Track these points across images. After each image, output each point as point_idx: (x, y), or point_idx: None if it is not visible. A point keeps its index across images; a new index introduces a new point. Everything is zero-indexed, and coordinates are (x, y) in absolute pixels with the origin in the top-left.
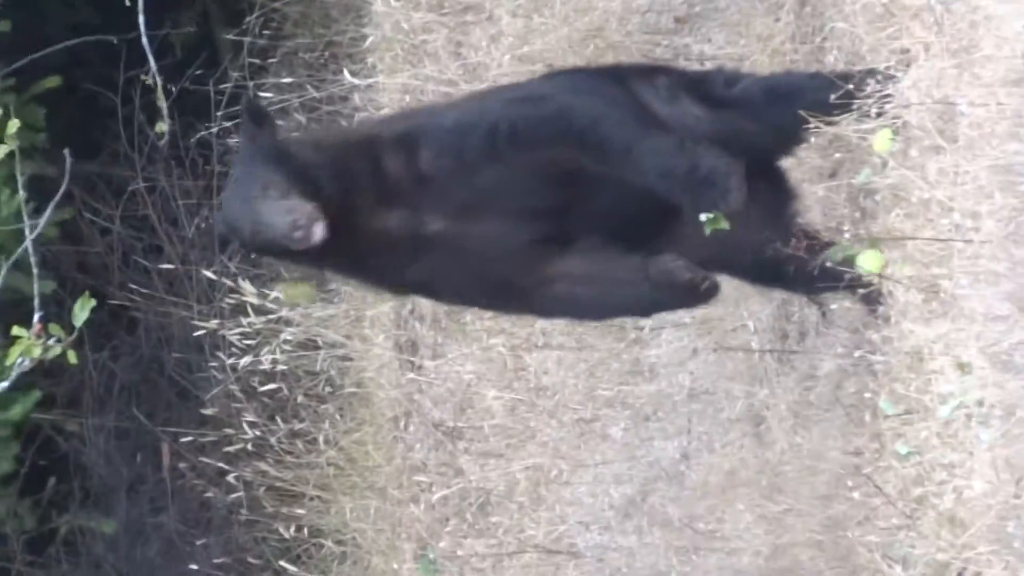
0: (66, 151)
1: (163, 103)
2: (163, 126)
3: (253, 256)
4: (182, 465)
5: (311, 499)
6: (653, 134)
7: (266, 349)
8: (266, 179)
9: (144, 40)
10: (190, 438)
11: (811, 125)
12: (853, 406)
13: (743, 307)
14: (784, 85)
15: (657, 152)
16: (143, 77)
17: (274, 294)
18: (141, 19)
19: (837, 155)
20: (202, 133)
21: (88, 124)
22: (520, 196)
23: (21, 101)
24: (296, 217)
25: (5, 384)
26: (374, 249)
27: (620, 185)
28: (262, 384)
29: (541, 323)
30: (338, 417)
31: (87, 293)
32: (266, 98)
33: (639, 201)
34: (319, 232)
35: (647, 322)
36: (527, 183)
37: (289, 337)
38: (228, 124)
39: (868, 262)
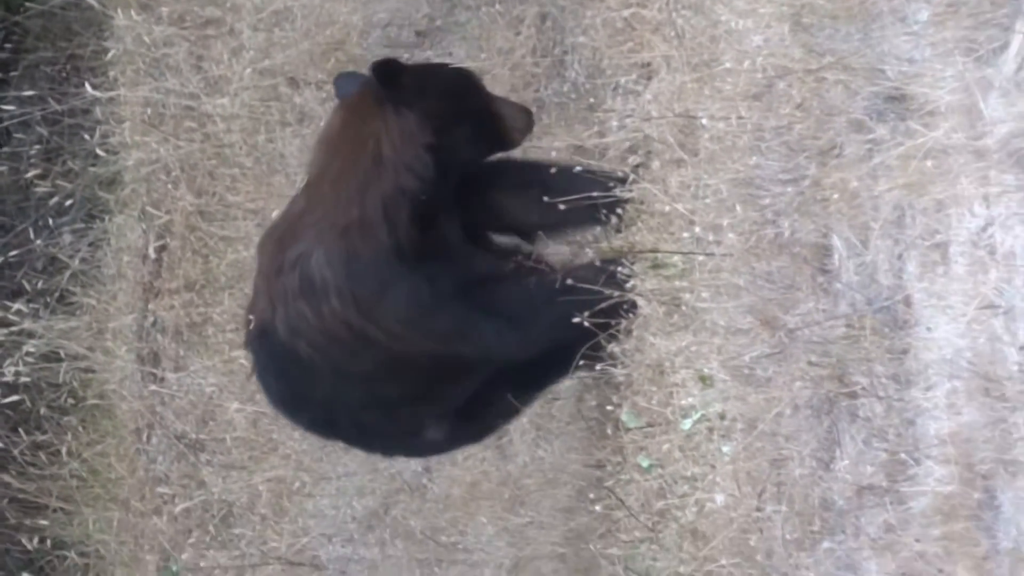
0: None
1: None
2: None
3: None
4: None
5: (54, 511)
6: None
7: (8, 361)
8: None
9: None
10: None
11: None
12: (595, 419)
13: None
14: None
15: None
16: None
17: (16, 306)
18: None
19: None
20: None
21: None
22: None
23: None
24: None
25: None
26: None
27: None
28: (4, 396)
29: None
30: (81, 429)
31: None
32: (6, 111)
33: None
34: None
35: None
36: None
37: (31, 349)
38: None
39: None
